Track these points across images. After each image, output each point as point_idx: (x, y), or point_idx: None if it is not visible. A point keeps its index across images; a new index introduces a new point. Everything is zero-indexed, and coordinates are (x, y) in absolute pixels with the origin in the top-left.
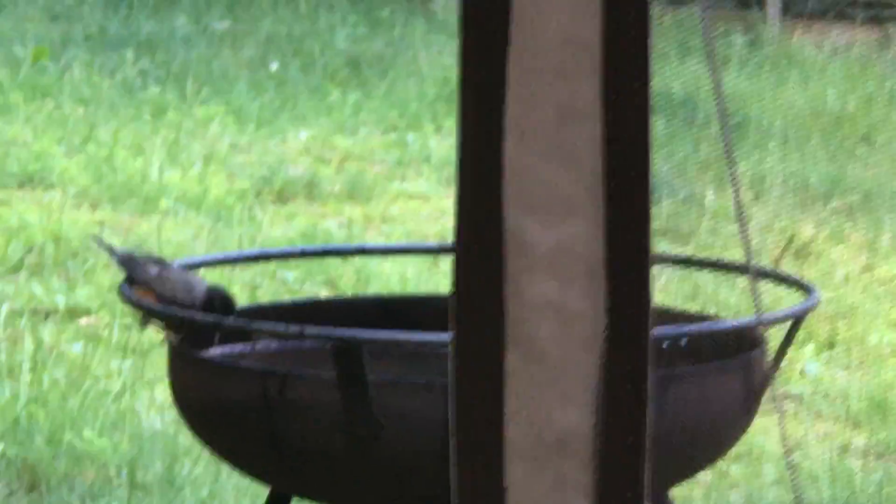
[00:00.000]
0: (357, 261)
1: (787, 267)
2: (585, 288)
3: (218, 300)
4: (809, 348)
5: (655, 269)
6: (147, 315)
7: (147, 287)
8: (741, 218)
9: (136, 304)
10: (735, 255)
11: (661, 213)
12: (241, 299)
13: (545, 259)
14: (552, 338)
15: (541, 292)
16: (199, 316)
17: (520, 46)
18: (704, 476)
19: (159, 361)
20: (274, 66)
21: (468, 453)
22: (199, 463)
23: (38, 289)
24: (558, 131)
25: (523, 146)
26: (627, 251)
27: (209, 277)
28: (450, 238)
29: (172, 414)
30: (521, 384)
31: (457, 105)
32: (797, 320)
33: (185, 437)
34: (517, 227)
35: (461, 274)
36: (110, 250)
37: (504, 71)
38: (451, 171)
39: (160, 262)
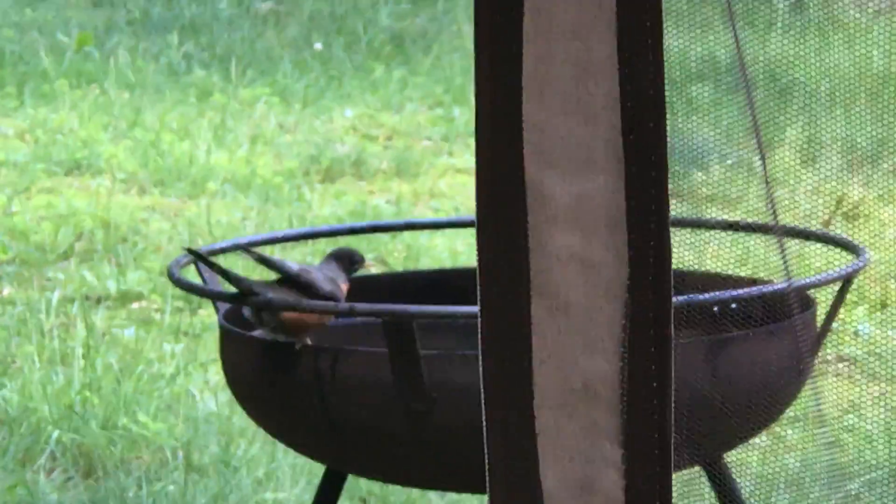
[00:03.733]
0: (406, 236)
1: (837, 229)
2: (607, 239)
3: (344, 255)
4: (861, 309)
5: (705, 235)
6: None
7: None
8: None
9: (186, 288)
10: (786, 219)
11: (711, 179)
12: None
13: (566, 211)
14: (576, 287)
15: (563, 244)
16: (257, 295)
17: (534, 5)
18: (760, 440)
19: (212, 343)
20: (318, 46)
21: (499, 403)
22: (254, 443)
23: (88, 275)
24: (576, 88)
25: (542, 103)
26: (647, 202)
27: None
28: None
29: (226, 395)
30: (548, 333)
31: (473, 64)
32: (846, 281)
33: (240, 418)
34: (538, 181)
35: (485, 229)
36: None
37: (520, 29)
38: None
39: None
